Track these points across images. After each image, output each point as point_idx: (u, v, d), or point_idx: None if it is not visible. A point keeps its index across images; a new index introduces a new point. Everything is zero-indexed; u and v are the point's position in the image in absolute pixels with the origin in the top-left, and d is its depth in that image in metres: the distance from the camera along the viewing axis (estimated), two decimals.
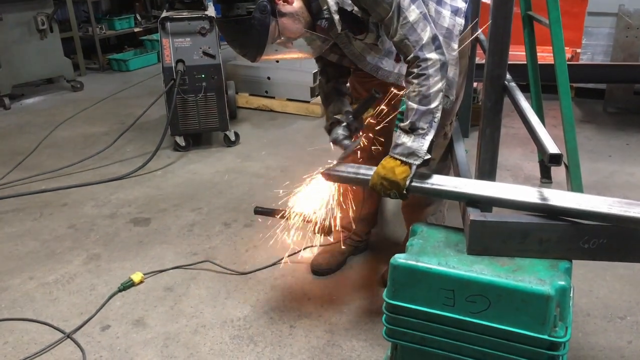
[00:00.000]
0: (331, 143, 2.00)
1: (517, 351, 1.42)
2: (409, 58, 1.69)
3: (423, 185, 1.73)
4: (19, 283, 2.52)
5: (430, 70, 1.66)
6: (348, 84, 2.21)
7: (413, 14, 1.65)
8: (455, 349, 1.50)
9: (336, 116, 2.00)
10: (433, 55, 1.66)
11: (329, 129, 2.02)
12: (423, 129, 1.68)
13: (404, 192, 1.71)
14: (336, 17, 1.75)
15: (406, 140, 1.69)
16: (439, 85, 1.67)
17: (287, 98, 4.72)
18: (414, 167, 1.69)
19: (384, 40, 1.88)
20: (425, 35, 1.66)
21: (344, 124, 1.98)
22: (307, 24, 1.78)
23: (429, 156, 1.70)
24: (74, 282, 2.51)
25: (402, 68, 1.97)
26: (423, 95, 1.66)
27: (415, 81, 1.67)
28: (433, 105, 1.67)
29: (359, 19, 1.77)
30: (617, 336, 2.10)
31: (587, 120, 4.30)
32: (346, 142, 1.95)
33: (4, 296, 2.43)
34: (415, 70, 1.67)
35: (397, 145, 1.71)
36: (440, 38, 1.75)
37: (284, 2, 1.73)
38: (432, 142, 1.70)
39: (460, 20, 1.85)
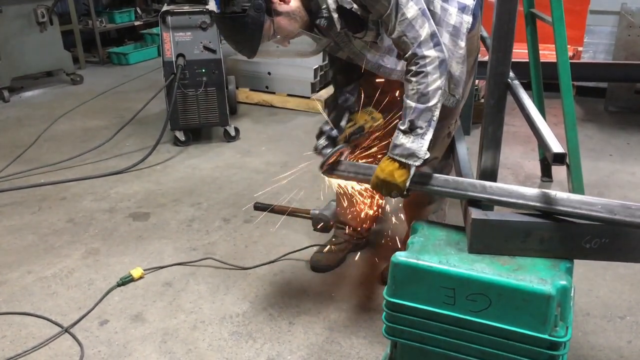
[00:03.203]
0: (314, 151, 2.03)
1: (517, 350, 1.41)
2: (407, 55, 1.67)
3: (425, 183, 1.72)
4: (17, 277, 2.51)
5: (429, 68, 1.63)
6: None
7: (411, 10, 1.63)
8: (455, 347, 1.49)
9: (323, 126, 2.03)
10: (431, 53, 1.63)
11: (317, 136, 2.05)
12: (422, 128, 1.65)
13: (405, 192, 1.71)
14: (335, 15, 1.73)
15: (405, 141, 1.67)
16: (438, 82, 1.65)
17: (288, 94, 4.71)
18: (413, 169, 1.68)
19: (384, 38, 1.86)
20: (424, 32, 1.63)
21: (326, 135, 2.01)
22: (304, 24, 1.77)
23: (428, 155, 1.69)
24: (73, 277, 2.51)
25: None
26: (421, 93, 1.64)
27: (414, 79, 1.65)
28: (432, 103, 1.65)
29: (358, 16, 1.75)
30: (616, 336, 2.10)
31: (588, 119, 4.29)
32: (326, 151, 1.97)
33: (2, 290, 2.42)
34: (414, 67, 1.65)
35: (396, 146, 1.68)
36: (447, 35, 1.73)
37: (280, 1, 1.72)
38: (431, 141, 1.69)
39: (468, 18, 1.83)
